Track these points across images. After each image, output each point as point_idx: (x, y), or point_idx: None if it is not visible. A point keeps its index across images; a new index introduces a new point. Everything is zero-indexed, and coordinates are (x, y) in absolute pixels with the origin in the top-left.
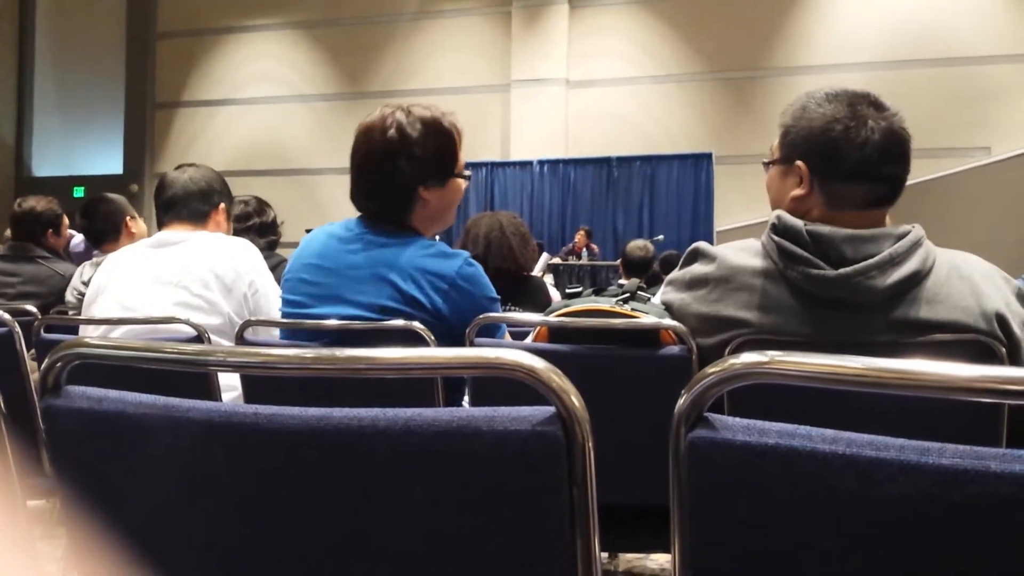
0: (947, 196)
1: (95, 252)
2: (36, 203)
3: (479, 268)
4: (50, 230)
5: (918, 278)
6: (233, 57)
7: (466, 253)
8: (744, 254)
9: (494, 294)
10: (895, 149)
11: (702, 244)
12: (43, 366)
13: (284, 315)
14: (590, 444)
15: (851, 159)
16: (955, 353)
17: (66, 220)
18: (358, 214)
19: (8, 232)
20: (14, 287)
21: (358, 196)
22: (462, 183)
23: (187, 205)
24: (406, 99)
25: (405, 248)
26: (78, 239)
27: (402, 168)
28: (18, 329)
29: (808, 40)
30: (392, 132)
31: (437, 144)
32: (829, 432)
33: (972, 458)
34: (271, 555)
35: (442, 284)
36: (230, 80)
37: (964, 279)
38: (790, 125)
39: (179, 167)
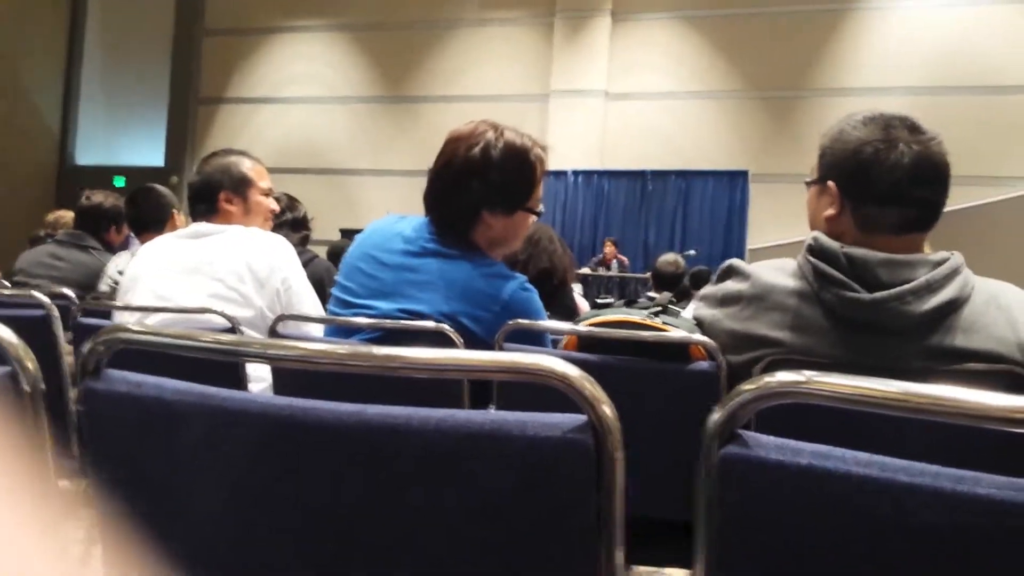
0: (989, 224)
1: (131, 240)
2: (104, 198)
3: (534, 293)
4: (113, 226)
5: (955, 306)
6: (277, 56)
7: (523, 277)
8: (779, 273)
9: (545, 319)
10: (927, 173)
11: (736, 261)
12: (85, 349)
13: (334, 297)
14: (620, 454)
15: (880, 182)
16: (989, 383)
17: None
18: (407, 214)
19: (52, 216)
20: (59, 271)
21: (429, 200)
22: (531, 218)
23: (197, 202)
24: (444, 106)
25: (465, 264)
26: None
27: (473, 187)
28: (56, 312)
29: (849, 62)
30: (476, 150)
31: (515, 173)
32: (863, 455)
33: (1009, 489)
34: (298, 548)
35: (494, 306)
36: (273, 79)
37: (1002, 309)
38: (827, 146)
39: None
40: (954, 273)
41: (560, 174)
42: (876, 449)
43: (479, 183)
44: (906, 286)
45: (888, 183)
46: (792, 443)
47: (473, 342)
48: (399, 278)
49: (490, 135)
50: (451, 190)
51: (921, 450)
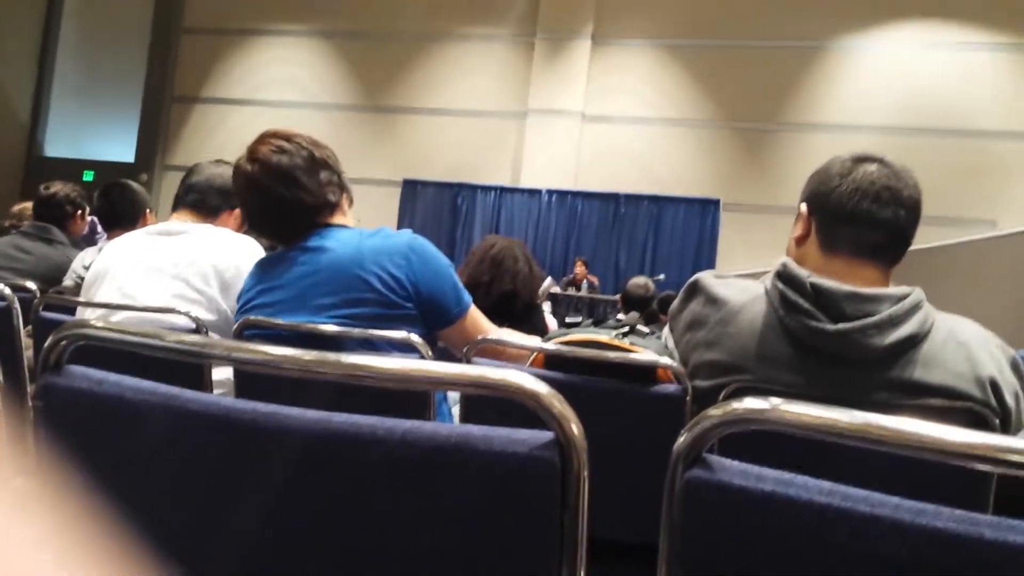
0: (950, 265)
1: (98, 236)
2: (63, 187)
3: (427, 241)
4: (77, 212)
5: (915, 340)
6: (255, 59)
7: (410, 230)
8: (745, 296)
9: (447, 260)
10: (888, 194)
11: (704, 279)
12: (46, 344)
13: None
14: (586, 473)
15: (841, 197)
16: (947, 418)
17: (87, 207)
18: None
19: (17, 208)
20: (23, 263)
21: (281, 225)
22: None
23: (204, 194)
24: (422, 118)
25: (352, 241)
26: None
27: (326, 163)
28: (17, 305)
29: (822, 99)
30: (288, 155)
31: (320, 148)
32: (826, 484)
33: (966, 523)
34: (255, 553)
35: (400, 259)
36: (250, 81)
37: (961, 345)
38: (810, 176)
39: (215, 162)
40: (915, 308)
41: (534, 192)
42: (839, 478)
43: (327, 162)
44: (869, 319)
45: (847, 197)
46: (756, 469)
47: (407, 295)
48: (300, 287)
49: (265, 148)
50: (309, 184)
51: (884, 480)
